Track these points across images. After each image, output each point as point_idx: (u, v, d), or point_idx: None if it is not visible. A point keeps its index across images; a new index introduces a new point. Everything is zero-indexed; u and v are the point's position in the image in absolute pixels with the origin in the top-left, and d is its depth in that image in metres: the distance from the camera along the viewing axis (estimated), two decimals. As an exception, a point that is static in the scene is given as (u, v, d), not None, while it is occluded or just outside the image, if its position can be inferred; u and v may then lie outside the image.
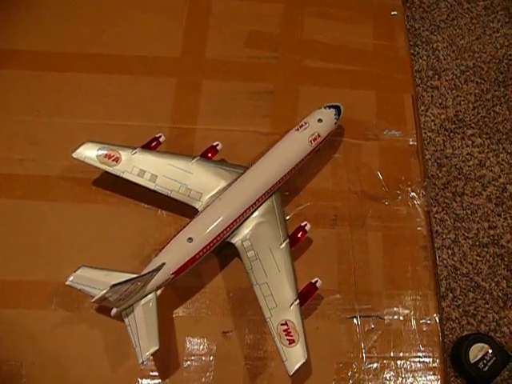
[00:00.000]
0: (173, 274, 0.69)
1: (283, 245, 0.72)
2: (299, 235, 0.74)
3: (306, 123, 0.78)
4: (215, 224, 0.72)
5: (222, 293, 0.74)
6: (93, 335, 0.72)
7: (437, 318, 0.75)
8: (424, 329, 0.74)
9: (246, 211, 0.74)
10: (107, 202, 0.80)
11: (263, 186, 0.75)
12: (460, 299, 1.13)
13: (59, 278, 0.71)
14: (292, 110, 0.87)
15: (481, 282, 1.16)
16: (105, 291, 0.63)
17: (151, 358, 0.68)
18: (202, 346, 0.71)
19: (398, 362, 0.73)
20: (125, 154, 0.77)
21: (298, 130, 0.78)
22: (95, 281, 0.68)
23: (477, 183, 1.24)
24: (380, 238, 0.79)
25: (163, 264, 0.69)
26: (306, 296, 0.71)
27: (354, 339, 0.73)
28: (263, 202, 0.76)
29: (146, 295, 0.68)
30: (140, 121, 0.85)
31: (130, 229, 0.78)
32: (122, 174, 0.77)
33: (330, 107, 0.81)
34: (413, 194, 0.82)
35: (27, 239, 0.77)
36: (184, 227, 0.72)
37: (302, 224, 0.75)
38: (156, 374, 0.70)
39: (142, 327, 0.67)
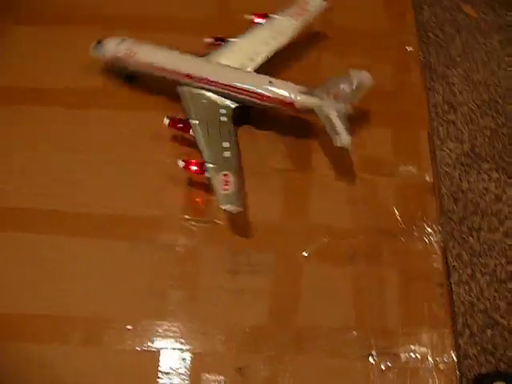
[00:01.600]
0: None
1: None
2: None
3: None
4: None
5: (238, 329, 0.74)
6: (112, 369, 0.72)
7: (454, 356, 0.74)
8: (441, 367, 0.73)
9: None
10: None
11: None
12: (478, 336, 1.12)
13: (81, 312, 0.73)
14: (308, 145, 0.87)
15: (499, 319, 1.15)
16: None
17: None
18: (217, 383, 0.71)
19: (415, 401, 0.73)
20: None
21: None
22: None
23: (493, 218, 1.24)
24: (396, 274, 0.78)
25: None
26: None
27: (371, 377, 0.72)
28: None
29: None
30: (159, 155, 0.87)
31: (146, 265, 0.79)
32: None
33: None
34: (429, 230, 0.82)
35: (44, 273, 0.77)
36: None
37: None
38: (172, 410, 0.71)
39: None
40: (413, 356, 0.74)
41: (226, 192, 0.76)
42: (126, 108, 0.90)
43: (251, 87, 0.83)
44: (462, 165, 1.31)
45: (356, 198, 0.83)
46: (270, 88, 0.83)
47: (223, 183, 0.76)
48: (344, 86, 0.82)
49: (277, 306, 0.75)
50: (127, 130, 0.87)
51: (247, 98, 0.84)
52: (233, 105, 0.85)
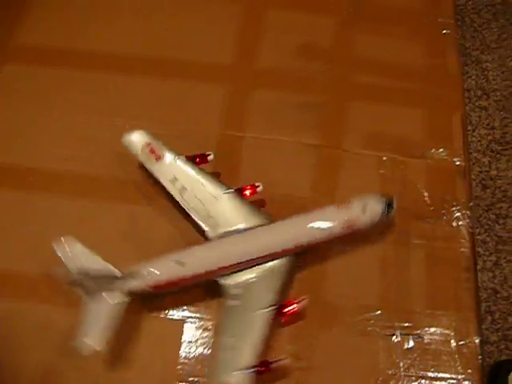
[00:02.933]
0: (150, 287, 0.70)
1: (267, 311, 0.70)
2: (287, 309, 0.72)
3: (349, 205, 0.74)
4: (214, 259, 0.72)
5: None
6: (134, 336, 0.73)
7: (477, 341, 0.74)
8: (464, 351, 0.73)
9: (251, 261, 0.72)
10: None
11: (278, 245, 0.73)
12: (499, 323, 1.12)
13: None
14: (340, 123, 0.87)
15: (521, 307, 1.14)
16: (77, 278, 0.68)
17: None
18: None
19: (436, 383, 0.73)
20: (168, 156, 0.78)
21: (338, 207, 0.74)
22: (78, 258, 0.70)
23: (521, 206, 1.23)
24: (423, 256, 0.78)
25: (141, 272, 0.70)
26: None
27: (393, 357, 0.72)
28: (272, 260, 0.74)
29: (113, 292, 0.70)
30: (188, 125, 0.86)
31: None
32: (156, 174, 0.78)
33: (384, 199, 0.75)
34: (458, 214, 0.81)
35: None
36: (182, 249, 0.73)
37: (297, 300, 0.72)
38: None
39: (95, 318, 0.68)
40: (436, 338, 0.74)
41: None
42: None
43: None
44: (492, 151, 1.30)
45: (386, 178, 0.83)
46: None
47: None
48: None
49: (303, 281, 0.75)
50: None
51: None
52: None
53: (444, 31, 0.97)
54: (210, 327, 0.73)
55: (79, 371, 0.71)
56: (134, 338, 0.73)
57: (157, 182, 0.79)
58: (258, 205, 0.78)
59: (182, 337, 0.73)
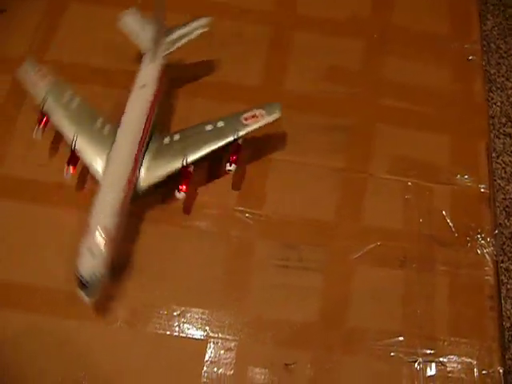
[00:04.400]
0: None
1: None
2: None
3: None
4: None
5: (287, 325, 0.74)
6: (155, 354, 0.73)
7: (501, 371, 0.73)
8: (487, 381, 0.72)
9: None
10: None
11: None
12: (523, 352, 1.11)
13: (127, 294, 0.74)
14: (367, 147, 0.87)
15: (544, 337, 1.13)
16: None
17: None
18: (263, 376, 0.71)
19: (458, 413, 0.72)
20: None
21: None
22: None
23: (545, 234, 1.22)
24: (447, 284, 0.78)
25: None
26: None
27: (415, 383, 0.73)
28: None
29: None
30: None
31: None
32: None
33: None
34: (482, 241, 0.81)
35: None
36: None
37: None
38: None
39: None
40: (459, 366, 0.73)
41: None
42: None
43: None
44: (517, 179, 1.30)
45: (411, 204, 0.83)
46: None
47: None
48: None
49: (326, 305, 0.75)
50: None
51: None
52: None
53: (470, 57, 0.97)
54: (233, 347, 0.73)
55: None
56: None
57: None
58: None
59: (205, 356, 0.73)
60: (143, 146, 0.79)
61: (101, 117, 0.83)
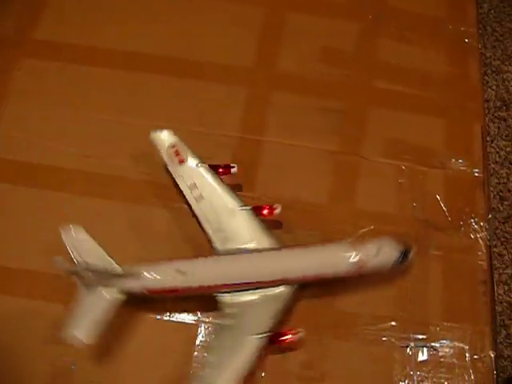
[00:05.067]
0: (147, 290, 0.70)
1: (260, 337, 0.68)
2: (282, 338, 0.69)
3: (364, 245, 0.72)
4: (217, 275, 0.71)
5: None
6: (147, 339, 0.72)
7: (492, 356, 0.73)
8: (478, 365, 0.72)
9: (254, 283, 0.71)
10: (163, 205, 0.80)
11: (285, 273, 0.71)
12: (513, 337, 1.11)
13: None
14: (360, 130, 0.86)
15: (537, 321, 1.13)
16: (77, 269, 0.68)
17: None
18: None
19: (450, 397, 0.73)
20: (191, 161, 0.77)
21: (352, 245, 0.71)
22: (82, 248, 0.70)
23: (539, 219, 1.22)
24: (440, 268, 0.77)
25: (141, 274, 0.69)
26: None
27: (407, 368, 0.72)
28: (276, 286, 0.71)
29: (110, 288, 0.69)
30: (208, 127, 0.85)
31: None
32: (176, 176, 0.77)
33: (401, 248, 0.72)
34: (476, 226, 0.80)
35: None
36: (186, 258, 0.72)
37: (294, 331, 0.70)
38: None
39: (88, 310, 0.68)
40: (450, 351, 0.73)
41: None
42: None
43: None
44: (511, 163, 1.28)
45: (404, 188, 0.82)
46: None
47: None
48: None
49: (319, 289, 0.74)
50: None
51: None
52: None
53: (466, 40, 0.96)
54: (225, 332, 0.74)
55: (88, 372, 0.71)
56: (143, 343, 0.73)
57: (176, 185, 0.78)
58: (273, 226, 0.77)
59: (196, 341, 0.72)
60: None
61: None
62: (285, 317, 0.71)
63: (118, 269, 0.69)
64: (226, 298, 0.71)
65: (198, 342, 0.72)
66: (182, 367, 0.71)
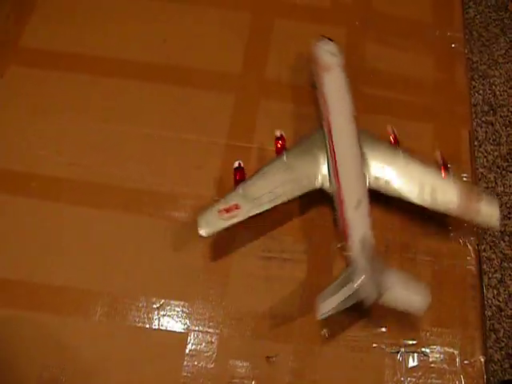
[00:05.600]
0: None
1: None
2: None
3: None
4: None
5: (268, 317, 0.73)
6: (136, 347, 0.72)
7: (482, 360, 0.73)
8: (468, 370, 0.72)
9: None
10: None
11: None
12: (503, 341, 1.11)
13: (107, 287, 0.73)
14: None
15: (526, 325, 1.14)
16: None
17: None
18: (244, 370, 0.70)
19: (440, 402, 0.72)
20: (236, 198, 0.74)
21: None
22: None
23: (527, 223, 1.23)
24: (429, 273, 0.77)
25: None
26: None
27: (398, 374, 0.72)
28: None
29: None
30: (195, 134, 0.85)
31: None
32: (248, 214, 0.74)
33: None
34: (464, 231, 0.82)
35: (73, 245, 0.77)
36: None
37: None
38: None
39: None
40: (441, 357, 0.73)
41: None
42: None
43: None
44: (499, 168, 1.29)
45: (393, 193, 0.83)
46: None
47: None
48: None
49: (307, 296, 0.74)
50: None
51: None
52: None
53: (452, 45, 0.96)
54: (214, 340, 0.72)
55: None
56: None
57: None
58: None
59: (186, 349, 0.72)
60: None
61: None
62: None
63: None
64: None
65: (187, 351, 0.72)
66: (172, 375, 0.71)
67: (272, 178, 0.76)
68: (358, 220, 0.73)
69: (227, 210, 0.73)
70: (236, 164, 0.77)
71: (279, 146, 0.78)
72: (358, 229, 0.72)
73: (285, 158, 0.77)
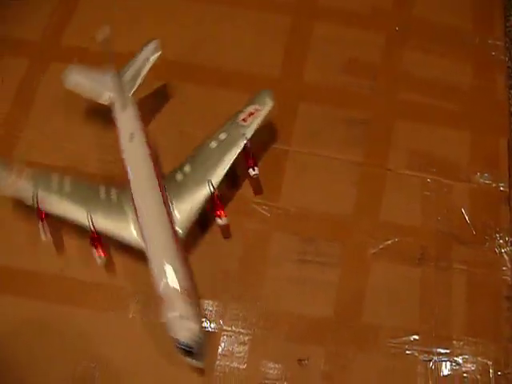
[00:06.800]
0: None
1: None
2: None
3: None
4: None
5: (302, 320, 0.73)
6: (168, 346, 0.71)
7: (516, 373, 0.74)
8: (502, 382, 0.72)
9: None
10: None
11: None
12: (535, 354, 1.09)
13: (141, 286, 0.74)
14: (386, 141, 0.86)
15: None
16: None
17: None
18: (276, 371, 0.71)
19: (472, 413, 0.72)
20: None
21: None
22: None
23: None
24: (464, 283, 0.77)
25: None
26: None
27: (430, 383, 0.71)
28: None
29: None
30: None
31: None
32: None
33: None
34: (500, 241, 0.80)
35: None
36: None
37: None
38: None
39: None
40: (473, 366, 0.72)
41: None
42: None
43: None
44: (535, 178, 1.27)
45: (429, 200, 0.82)
46: None
47: None
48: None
49: (342, 300, 0.75)
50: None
51: None
52: None
53: (493, 53, 0.95)
54: (247, 341, 0.72)
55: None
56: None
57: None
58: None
59: (218, 349, 0.72)
60: (164, 194, 0.76)
61: (100, 185, 0.78)
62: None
63: None
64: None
65: (219, 351, 0.72)
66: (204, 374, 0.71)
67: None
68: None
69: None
70: None
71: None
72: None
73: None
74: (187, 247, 0.76)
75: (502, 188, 0.84)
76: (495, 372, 0.72)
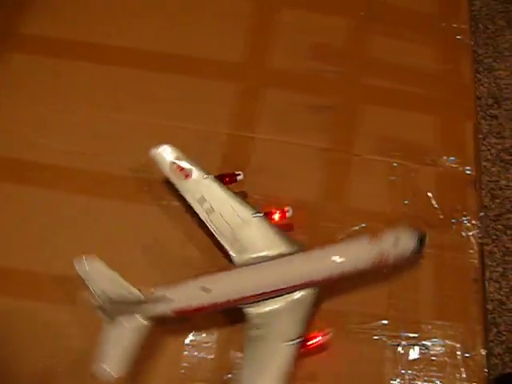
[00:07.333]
0: (175, 312, 0.67)
1: (292, 343, 0.66)
2: (311, 342, 0.69)
3: (381, 238, 0.70)
4: (241, 287, 0.69)
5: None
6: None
7: (483, 354, 0.73)
8: (469, 363, 0.72)
9: (278, 290, 0.69)
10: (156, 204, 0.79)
11: (306, 276, 0.69)
12: (504, 335, 1.10)
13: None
14: (351, 127, 0.85)
15: (528, 319, 1.13)
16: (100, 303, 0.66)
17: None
18: (244, 360, 0.71)
19: (441, 396, 0.72)
20: (196, 175, 0.74)
21: (370, 240, 0.70)
22: (99, 278, 0.67)
23: (530, 217, 1.22)
24: (432, 266, 0.77)
25: (166, 297, 0.67)
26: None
27: (398, 367, 0.71)
28: (299, 290, 0.70)
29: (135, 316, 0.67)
30: (198, 124, 0.84)
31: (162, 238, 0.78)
32: (182, 192, 0.75)
33: (417, 235, 0.71)
34: (467, 224, 0.80)
35: (70, 234, 0.77)
36: (208, 273, 0.69)
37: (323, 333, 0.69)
38: None
39: (116, 343, 0.65)
40: (442, 350, 0.73)
41: None
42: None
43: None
44: (502, 161, 1.28)
45: (396, 185, 0.82)
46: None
47: None
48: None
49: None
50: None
51: None
52: None
53: (458, 37, 0.95)
54: (215, 332, 0.72)
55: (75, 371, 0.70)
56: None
57: (183, 199, 0.76)
58: (286, 228, 0.75)
59: (185, 340, 0.72)
60: None
61: None
62: (311, 319, 0.70)
63: (140, 295, 0.67)
64: (252, 308, 0.69)
65: (187, 342, 0.71)
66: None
67: (229, 206, 0.74)
68: None
69: (181, 169, 0.74)
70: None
71: (275, 217, 0.75)
72: None
73: (254, 215, 0.73)
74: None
75: (468, 171, 0.84)
76: (463, 354, 0.73)
